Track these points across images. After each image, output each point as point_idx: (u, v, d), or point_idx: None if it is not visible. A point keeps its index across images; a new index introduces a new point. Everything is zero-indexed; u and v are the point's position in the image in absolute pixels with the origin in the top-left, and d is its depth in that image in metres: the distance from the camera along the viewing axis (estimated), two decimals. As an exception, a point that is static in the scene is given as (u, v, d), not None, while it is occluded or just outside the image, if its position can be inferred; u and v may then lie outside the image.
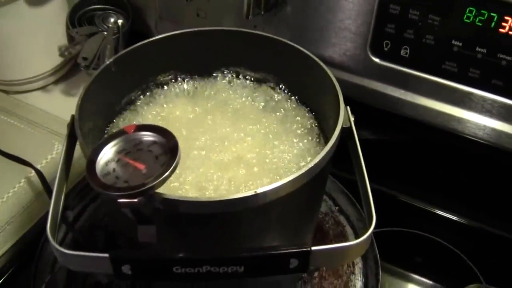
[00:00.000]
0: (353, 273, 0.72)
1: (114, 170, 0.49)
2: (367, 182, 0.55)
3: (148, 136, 0.51)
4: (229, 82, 0.69)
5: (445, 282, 0.77)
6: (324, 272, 0.72)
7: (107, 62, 0.62)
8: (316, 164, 0.52)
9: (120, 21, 0.98)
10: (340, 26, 0.77)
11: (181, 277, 0.50)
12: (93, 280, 0.70)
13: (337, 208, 0.79)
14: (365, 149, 0.58)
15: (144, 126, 0.52)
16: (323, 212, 0.79)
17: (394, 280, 0.77)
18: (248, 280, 0.61)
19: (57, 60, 0.97)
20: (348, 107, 0.60)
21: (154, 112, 0.66)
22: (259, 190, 0.49)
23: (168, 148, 0.50)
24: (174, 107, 0.67)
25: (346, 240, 0.75)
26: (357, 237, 0.75)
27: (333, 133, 0.55)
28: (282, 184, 0.50)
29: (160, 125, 0.52)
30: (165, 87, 0.69)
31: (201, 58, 0.68)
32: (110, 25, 0.97)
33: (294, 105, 0.68)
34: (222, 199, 0.49)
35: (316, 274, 0.72)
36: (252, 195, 0.49)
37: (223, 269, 0.50)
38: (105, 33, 0.95)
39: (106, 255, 0.48)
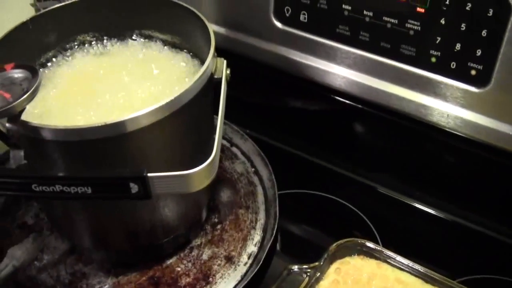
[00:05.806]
0: (254, 228, 0.76)
1: (-15, 99, 0.57)
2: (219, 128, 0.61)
3: (21, 73, 0.59)
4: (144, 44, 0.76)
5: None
6: (226, 225, 0.76)
7: (24, 20, 0.70)
8: (172, 101, 0.57)
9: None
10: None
11: (39, 194, 0.56)
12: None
13: (253, 169, 0.84)
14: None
15: (22, 65, 0.60)
16: (238, 172, 0.83)
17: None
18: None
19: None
20: (225, 61, 0.65)
21: (70, 70, 0.73)
22: (119, 119, 0.55)
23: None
24: (87, 65, 0.74)
25: (256, 199, 0.79)
26: (266, 197, 0.80)
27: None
28: (142, 114, 0.56)
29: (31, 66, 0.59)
30: (81, 47, 0.76)
31: (115, 21, 0.75)
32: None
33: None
34: (79, 127, 0.55)
35: (218, 226, 0.76)
36: (115, 123, 0.55)
37: (73, 189, 0.56)
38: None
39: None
